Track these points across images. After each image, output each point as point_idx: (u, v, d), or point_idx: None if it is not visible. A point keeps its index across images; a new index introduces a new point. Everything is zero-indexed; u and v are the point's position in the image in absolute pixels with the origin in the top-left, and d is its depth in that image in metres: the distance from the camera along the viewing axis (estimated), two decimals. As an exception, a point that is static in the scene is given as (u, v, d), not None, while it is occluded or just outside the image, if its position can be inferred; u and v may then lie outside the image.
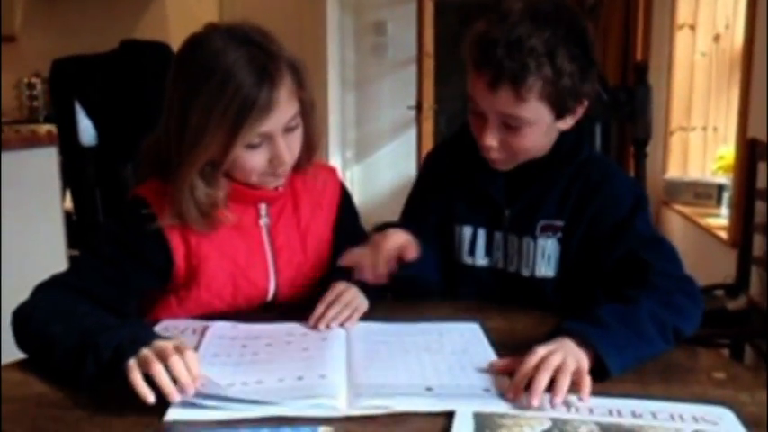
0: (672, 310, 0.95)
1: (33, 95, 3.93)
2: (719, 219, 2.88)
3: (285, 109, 1.02)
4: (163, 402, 0.77)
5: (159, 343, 0.82)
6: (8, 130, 2.94)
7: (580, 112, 1.08)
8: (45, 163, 2.35)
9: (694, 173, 3.31)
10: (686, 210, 3.06)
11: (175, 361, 0.78)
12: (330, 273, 1.13)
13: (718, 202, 3.00)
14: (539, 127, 1.05)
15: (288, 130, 1.04)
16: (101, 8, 3.78)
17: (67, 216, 2.33)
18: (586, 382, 0.81)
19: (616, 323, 0.89)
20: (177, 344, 0.82)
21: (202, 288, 1.09)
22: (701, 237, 2.85)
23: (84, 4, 3.84)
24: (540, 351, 0.84)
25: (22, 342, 0.95)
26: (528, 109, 1.02)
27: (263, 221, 1.14)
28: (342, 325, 1.02)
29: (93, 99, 1.32)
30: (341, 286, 1.06)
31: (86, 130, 1.32)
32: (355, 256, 1.05)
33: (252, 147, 1.02)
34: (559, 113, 1.05)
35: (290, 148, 1.05)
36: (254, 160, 1.04)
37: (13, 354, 0.95)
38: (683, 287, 1.00)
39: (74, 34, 3.17)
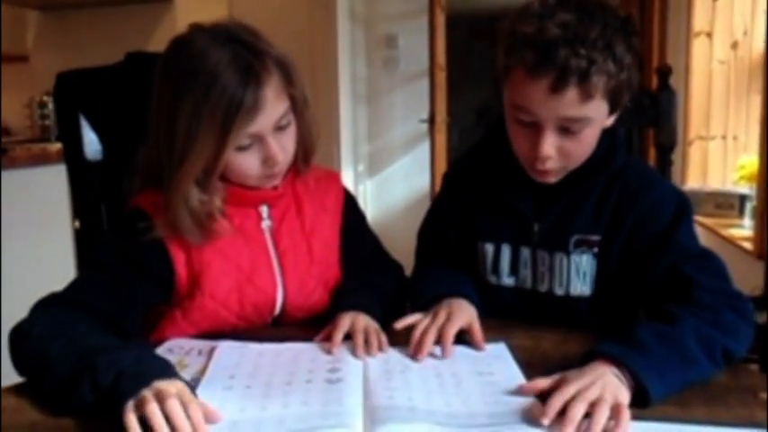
0: (720, 328, 0.87)
1: (45, 114, 3.93)
2: (743, 230, 2.81)
3: (274, 107, 0.98)
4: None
5: (161, 386, 0.76)
6: (20, 148, 2.93)
7: (622, 107, 1.01)
8: (55, 180, 2.33)
9: (714, 183, 3.24)
10: (708, 221, 2.98)
11: (174, 405, 0.73)
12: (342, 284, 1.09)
13: (741, 213, 2.93)
14: (597, 126, 0.99)
15: (279, 128, 1.01)
16: (112, 23, 3.78)
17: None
18: (625, 416, 0.74)
19: (657, 344, 0.82)
20: (180, 390, 0.76)
21: (207, 296, 1.04)
22: (724, 248, 2.77)
23: (94, 20, 3.85)
24: (576, 383, 0.76)
25: (19, 363, 0.90)
26: (592, 108, 0.95)
27: (266, 224, 1.10)
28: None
29: (99, 112, 1.29)
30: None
31: (91, 144, 1.28)
32: (411, 320, 0.98)
33: (243, 149, 0.99)
34: (612, 109, 0.99)
35: (283, 147, 1.02)
36: (246, 162, 1.01)
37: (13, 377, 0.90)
38: (731, 303, 0.92)
39: (85, 51, 3.15)
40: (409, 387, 0.84)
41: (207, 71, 0.94)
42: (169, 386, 0.76)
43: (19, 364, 0.90)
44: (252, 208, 1.09)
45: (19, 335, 0.91)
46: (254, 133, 0.98)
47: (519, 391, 0.82)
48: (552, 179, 1.04)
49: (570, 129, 0.96)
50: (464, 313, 0.99)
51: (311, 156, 1.11)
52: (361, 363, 0.91)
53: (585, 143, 0.99)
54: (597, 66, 0.91)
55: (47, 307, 0.95)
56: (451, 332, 0.94)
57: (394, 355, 0.95)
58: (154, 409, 0.72)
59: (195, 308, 1.04)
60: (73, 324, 0.91)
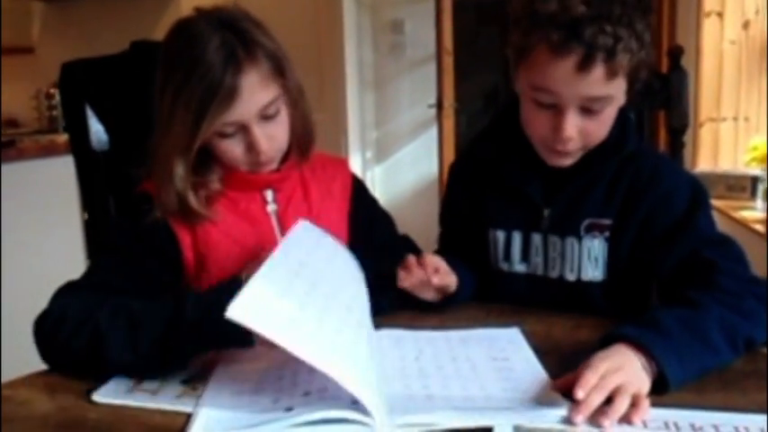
0: (743, 314, 0.85)
1: (52, 105, 3.93)
2: (755, 212, 2.79)
3: (253, 96, 0.97)
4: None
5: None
6: (27, 140, 2.94)
7: (638, 85, 1.00)
8: (63, 171, 2.33)
9: (726, 165, 3.21)
10: (719, 203, 2.95)
11: None
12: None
13: (753, 195, 2.90)
14: (616, 105, 0.98)
15: (265, 117, 1.00)
16: (117, 13, 3.77)
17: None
18: (644, 406, 0.73)
19: (680, 330, 0.81)
20: None
21: (213, 278, 1.04)
22: (736, 231, 2.75)
23: (100, 10, 3.84)
24: (601, 367, 0.75)
25: (50, 350, 0.90)
26: (615, 86, 0.94)
27: (271, 208, 1.10)
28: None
29: (105, 102, 1.28)
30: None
31: (98, 135, 1.27)
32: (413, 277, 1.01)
33: (225, 136, 1.00)
34: (630, 87, 0.97)
35: (270, 137, 1.02)
36: (231, 149, 1.02)
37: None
38: (754, 290, 0.90)
39: (91, 41, 3.15)
40: (425, 374, 0.83)
41: (193, 55, 0.96)
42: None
43: (54, 350, 0.89)
44: (256, 191, 1.10)
45: (49, 321, 0.90)
46: (234, 121, 0.98)
47: (554, 387, 0.79)
48: (570, 161, 1.02)
49: (592, 108, 0.95)
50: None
51: (310, 145, 1.11)
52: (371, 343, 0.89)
53: (606, 122, 0.98)
54: (623, 43, 0.90)
55: (72, 291, 0.96)
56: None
57: (407, 341, 0.94)
58: None
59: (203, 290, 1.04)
60: (106, 300, 0.91)
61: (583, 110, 0.96)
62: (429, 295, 1.04)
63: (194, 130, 0.97)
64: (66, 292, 0.96)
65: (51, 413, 0.79)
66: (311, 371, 0.74)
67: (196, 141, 0.98)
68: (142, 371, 0.85)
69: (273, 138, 1.03)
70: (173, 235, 1.04)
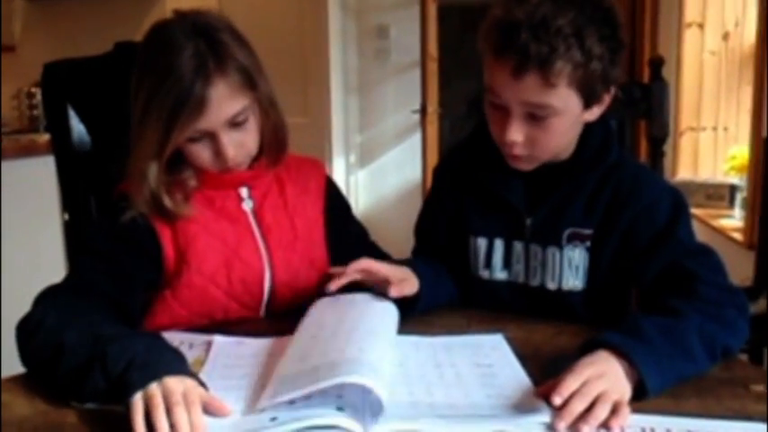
0: (722, 324, 0.87)
1: (33, 104, 3.89)
2: (733, 220, 2.82)
3: (222, 106, 0.99)
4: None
5: (170, 384, 0.75)
6: (7, 139, 2.90)
7: (607, 101, 1.00)
8: (44, 172, 2.31)
9: (705, 174, 3.25)
10: (698, 212, 2.99)
11: (180, 413, 0.72)
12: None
13: (731, 204, 2.94)
14: (567, 117, 0.97)
15: (233, 125, 1.02)
16: (100, 14, 3.74)
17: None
18: (624, 413, 0.73)
19: (661, 338, 0.82)
20: (187, 390, 0.75)
21: (194, 272, 1.05)
22: (714, 239, 2.78)
23: (83, 10, 3.81)
24: (584, 373, 0.76)
25: (28, 354, 0.89)
26: (557, 96, 0.94)
27: (247, 204, 1.12)
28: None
29: (87, 103, 1.27)
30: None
31: (80, 136, 1.26)
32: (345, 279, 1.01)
33: (194, 140, 1.02)
34: (588, 102, 0.98)
35: (238, 143, 1.04)
36: (198, 154, 1.04)
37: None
38: (732, 300, 0.92)
39: (74, 42, 3.12)
40: (409, 381, 0.84)
41: (166, 64, 0.97)
42: (178, 384, 0.75)
43: (28, 356, 0.89)
44: (231, 189, 1.11)
45: (29, 326, 0.90)
46: (202, 129, 1.00)
47: (537, 394, 0.79)
48: (524, 166, 1.04)
49: (537, 115, 0.96)
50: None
51: (282, 152, 1.12)
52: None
53: (555, 133, 0.98)
54: (558, 53, 0.90)
55: (54, 296, 0.96)
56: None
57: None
58: (160, 416, 0.72)
59: (184, 285, 1.05)
60: (85, 311, 0.91)
61: (529, 116, 0.96)
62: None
63: (165, 137, 0.99)
64: (48, 297, 0.96)
65: (29, 417, 0.78)
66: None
67: (168, 147, 1.00)
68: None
69: (242, 145, 1.04)
70: (153, 231, 1.05)
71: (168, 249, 1.05)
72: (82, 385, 0.79)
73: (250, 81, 1.02)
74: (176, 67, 0.96)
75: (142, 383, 0.75)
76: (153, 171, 1.02)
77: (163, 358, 0.80)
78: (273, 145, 1.10)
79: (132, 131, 1.02)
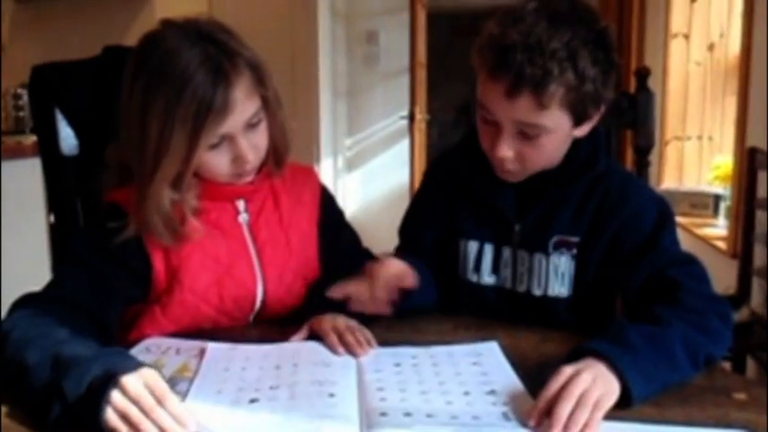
0: (706, 333, 0.88)
1: (19, 106, 3.86)
2: (717, 229, 2.85)
3: (244, 108, 0.98)
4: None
5: (130, 384, 0.73)
6: (-7, 141, 2.88)
7: (596, 118, 1.01)
8: (30, 174, 2.29)
9: (690, 183, 3.28)
10: (683, 220, 3.02)
11: (159, 415, 0.72)
12: (321, 302, 1.03)
13: (716, 213, 2.97)
14: (557, 136, 0.99)
15: (250, 126, 1.01)
16: (89, 16, 3.72)
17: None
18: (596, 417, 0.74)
19: (646, 347, 0.83)
20: (149, 384, 0.74)
21: (186, 291, 1.03)
22: (698, 247, 2.81)
23: (72, 12, 3.78)
24: (567, 371, 0.77)
25: None
26: (548, 117, 0.95)
27: (243, 218, 1.10)
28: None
29: (75, 107, 1.27)
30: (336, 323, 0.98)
31: (67, 140, 1.26)
32: (349, 288, 0.99)
33: (213, 147, 0.99)
34: (578, 121, 0.99)
35: (254, 146, 1.02)
36: (217, 161, 1.01)
37: None
38: (716, 308, 0.93)
39: (62, 43, 3.10)
40: (404, 389, 0.84)
41: (178, 72, 0.94)
42: (137, 381, 0.74)
43: None
44: (228, 202, 1.09)
45: None
46: (224, 133, 0.98)
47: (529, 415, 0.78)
48: (514, 179, 1.05)
49: (527, 134, 0.97)
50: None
51: (284, 155, 1.11)
52: (353, 368, 0.90)
53: (544, 150, 1.00)
54: (552, 76, 0.91)
55: (26, 307, 0.93)
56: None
57: (386, 356, 0.94)
58: (141, 421, 0.71)
59: (175, 303, 1.03)
60: (56, 324, 0.87)
61: (520, 134, 0.98)
62: (375, 308, 1.02)
63: (191, 148, 0.96)
64: (23, 306, 0.93)
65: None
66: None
67: (192, 159, 0.97)
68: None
69: (257, 147, 1.03)
70: (144, 251, 1.02)
71: (159, 269, 1.03)
72: (45, 415, 0.76)
73: (261, 78, 1.00)
74: (191, 76, 0.93)
75: (105, 398, 0.73)
76: (168, 194, 0.99)
77: (115, 366, 0.77)
78: (280, 147, 1.09)
79: (147, 155, 0.96)
